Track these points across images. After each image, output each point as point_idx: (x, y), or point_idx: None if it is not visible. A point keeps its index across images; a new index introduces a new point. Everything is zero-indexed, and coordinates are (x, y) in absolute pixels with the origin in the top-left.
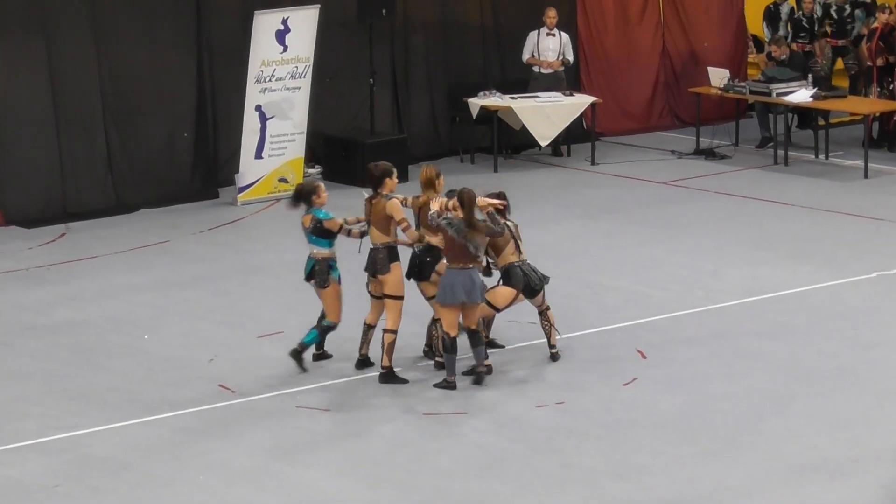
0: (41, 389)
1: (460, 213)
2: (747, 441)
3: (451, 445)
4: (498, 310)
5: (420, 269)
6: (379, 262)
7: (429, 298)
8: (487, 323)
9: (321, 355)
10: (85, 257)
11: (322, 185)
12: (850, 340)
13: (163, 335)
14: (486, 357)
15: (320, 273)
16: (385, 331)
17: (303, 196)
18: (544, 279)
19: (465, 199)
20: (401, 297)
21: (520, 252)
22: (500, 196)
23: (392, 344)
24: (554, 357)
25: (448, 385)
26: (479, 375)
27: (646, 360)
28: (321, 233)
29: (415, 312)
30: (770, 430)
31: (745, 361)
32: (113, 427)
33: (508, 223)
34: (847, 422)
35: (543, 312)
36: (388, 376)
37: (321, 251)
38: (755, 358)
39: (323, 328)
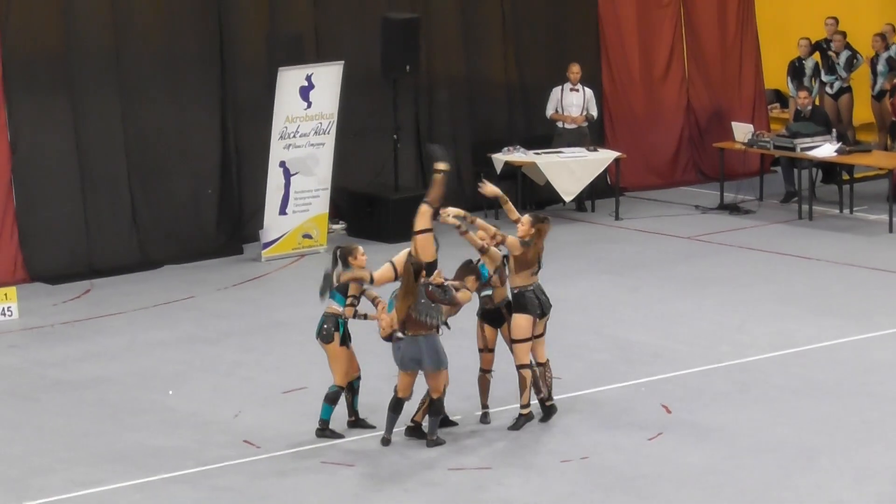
0: (66, 445)
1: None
2: (774, 496)
3: (477, 501)
4: (526, 339)
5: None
6: None
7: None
8: (544, 381)
9: (355, 422)
10: (110, 313)
11: (360, 248)
12: (877, 395)
13: (188, 391)
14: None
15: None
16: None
17: (341, 258)
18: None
19: (404, 268)
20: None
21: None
22: (466, 265)
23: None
24: (545, 412)
25: (383, 441)
26: (431, 442)
27: (671, 414)
28: (341, 289)
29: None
30: (797, 485)
31: (771, 416)
32: (137, 483)
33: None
34: (874, 476)
35: (546, 364)
36: (415, 430)
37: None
38: (781, 413)
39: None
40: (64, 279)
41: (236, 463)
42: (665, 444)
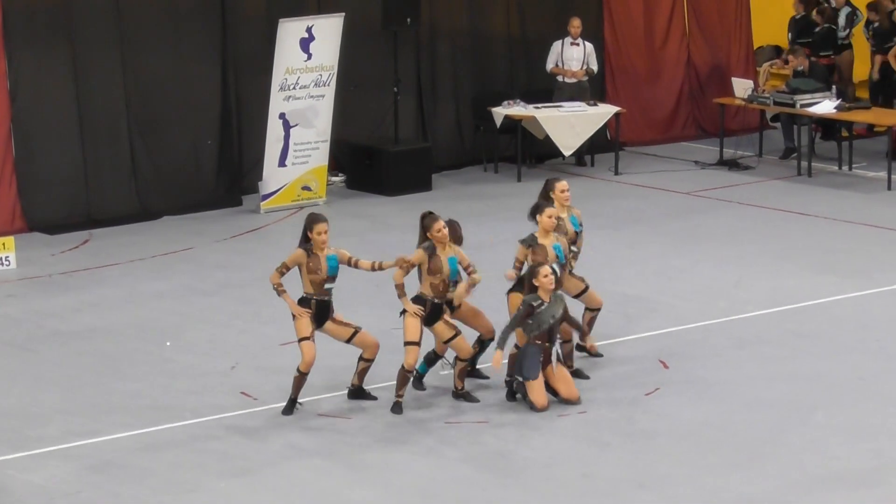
0: (64, 395)
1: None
2: (770, 451)
3: (473, 454)
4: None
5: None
6: None
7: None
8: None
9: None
10: (108, 264)
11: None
12: (873, 351)
13: (185, 342)
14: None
15: None
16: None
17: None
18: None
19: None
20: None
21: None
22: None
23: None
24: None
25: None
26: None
27: (668, 370)
28: None
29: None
30: (793, 441)
31: (767, 372)
32: (135, 434)
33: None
34: (870, 432)
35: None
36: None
37: None
38: (778, 368)
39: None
40: (62, 229)
41: (234, 414)
42: (662, 399)
